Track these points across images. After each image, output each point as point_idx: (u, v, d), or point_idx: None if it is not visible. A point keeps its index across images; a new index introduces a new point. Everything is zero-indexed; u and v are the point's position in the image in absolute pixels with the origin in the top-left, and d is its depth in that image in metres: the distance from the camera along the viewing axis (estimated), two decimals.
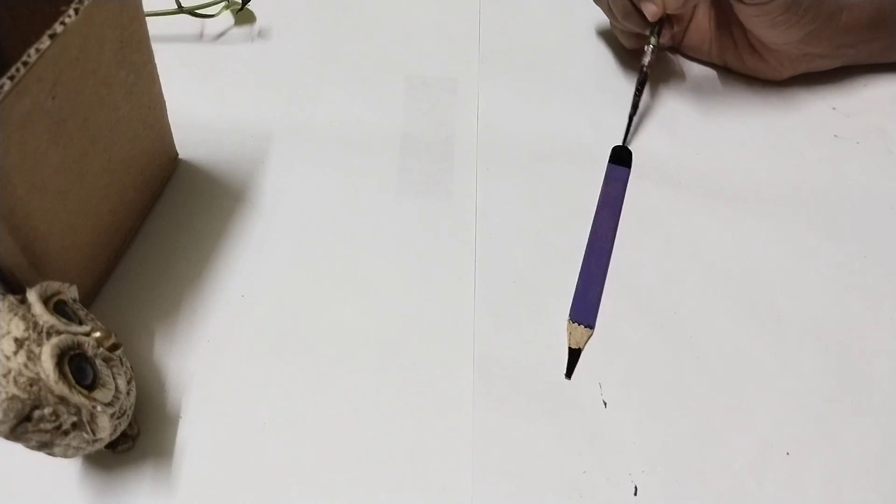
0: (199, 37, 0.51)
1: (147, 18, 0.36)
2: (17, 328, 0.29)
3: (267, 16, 0.52)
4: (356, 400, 0.37)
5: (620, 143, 0.47)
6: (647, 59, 0.47)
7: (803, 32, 0.44)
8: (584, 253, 0.42)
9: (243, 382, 0.37)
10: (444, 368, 0.38)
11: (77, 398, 0.29)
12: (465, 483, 0.35)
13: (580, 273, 0.41)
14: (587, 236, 0.43)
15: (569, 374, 0.38)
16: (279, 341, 0.39)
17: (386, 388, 0.38)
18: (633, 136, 0.47)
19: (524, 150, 0.46)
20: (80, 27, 0.30)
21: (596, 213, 0.44)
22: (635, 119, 0.47)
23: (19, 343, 0.28)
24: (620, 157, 0.46)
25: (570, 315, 0.40)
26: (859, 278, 0.42)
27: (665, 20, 0.46)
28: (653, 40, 0.46)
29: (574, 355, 0.39)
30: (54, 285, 0.32)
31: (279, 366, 0.38)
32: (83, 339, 0.30)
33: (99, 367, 0.31)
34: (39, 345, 0.29)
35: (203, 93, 0.48)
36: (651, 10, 0.44)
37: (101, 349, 0.31)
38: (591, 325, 0.39)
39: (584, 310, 0.40)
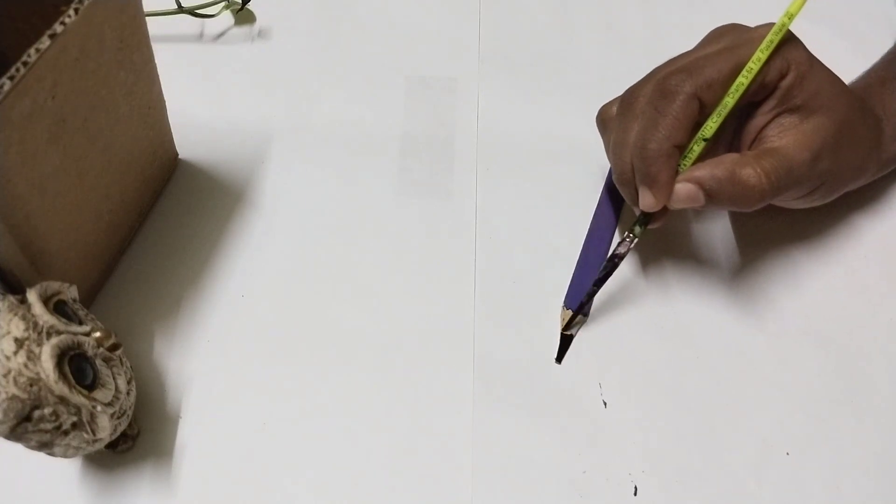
0: (199, 37, 0.51)
1: (147, 18, 0.36)
2: (17, 328, 0.29)
3: (267, 16, 0.52)
4: (356, 400, 0.37)
5: None
6: (622, 250, 0.37)
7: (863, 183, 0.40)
8: (582, 243, 0.42)
9: (243, 382, 0.37)
10: (444, 368, 0.38)
11: (77, 398, 0.29)
12: (465, 483, 0.35)
13: (578, 261, 0.42)
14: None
15: (559, 360, 0.38)
16: (279, 341, 0.39)
17: (386, 388, 0.38)
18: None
19: (524, 150, 0.46)
20: (80, 27, 0.30)
21: (598, 204, 0.44)
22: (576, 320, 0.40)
23: (19, 343, 0.28)
24: None
25: (564, 302, 0.40)
26: (859, 278, 0.42)
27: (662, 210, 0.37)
28: (637, 230, 0.37)
29: (566, 341, 0.39)
30: (54, 285, 0.32)
31: (279, 366, 0.38)
32: (83, 339, 0.30)
33: (99, 367, 0.31)
34: (39, 345, 0.29)
35: (203, 93, 0.48)
36: (647, 203, 0.36)
37: (101, 349, 0.31)
38: (584, 313, 0.39)
39: (579, 297, 0.40)
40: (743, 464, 0.36)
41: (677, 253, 0.42)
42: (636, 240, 0.38)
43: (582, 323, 0.40)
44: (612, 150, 0.38)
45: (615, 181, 0.38)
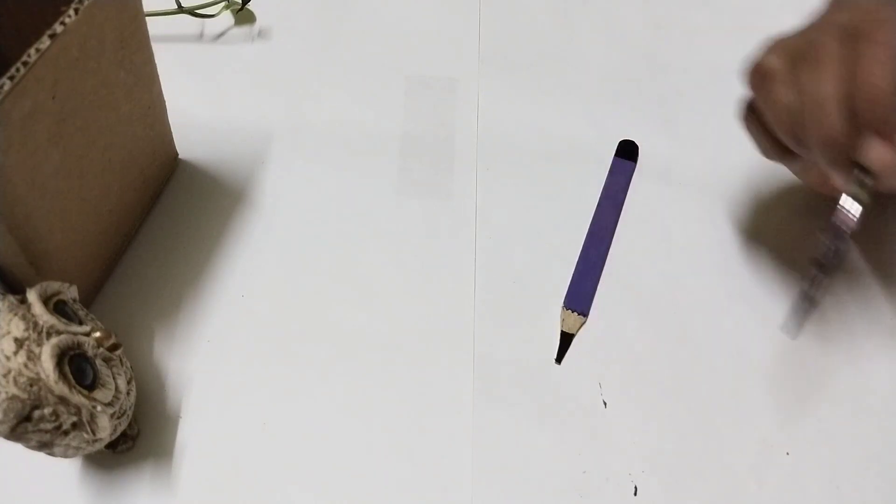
0: (199, 37, 0.51)
1: (147, 18, 0.36)
2: (17, 328, 0.29)
3: (267, 16, 0.52)
4: (356, 400, 0.37)
5: (622, 141, 0.47)
6: (850, 224, 0.30)
7: None
8: (582, 243, 0.42)
9: (243, 382, 0.37)
10: (444, 368, 0.38)
11: (77, 398, 0.29)
12: (465, 483, 0.35)
13: (577, 261, 0.42)
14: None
15: (559, 360, 0.38)
16: (279, 341, 0.39)
17: (386, 387, 0.38)
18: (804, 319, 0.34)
19: (524, 149, 0.46)
20: (80, 27, 0.30)
21: (598, 204, 0.44)
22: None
23: (19, 343, 0.28)
24: (626, 151, 0.46)
25: (564, 302, 0.40)
26: (859, 278, 0.42)
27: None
28: (862, 194, 0.30)
29: (566, 340, 0.39)
30: (54, 285, 0.32)
31: (279, 366, 0.38)
32: (83, 339, 0.30)
33: (99, 367, 0.31)
34: (39, 345, 0.29)
35: (203, 93, 0.48)
36: (885, 158, 0.28)
37: (101, 349, 0.31)
38: (584, 313, 0.39)
39: (579, 297, 0.40)
40: (743, 464, 0.36)
41: (677, 253, 0.42)
42: (863, 208, 0.30)
43: (582, 323, 0.40)
44: (807, 108, 0.30)
45: (817, 146, 0.30)
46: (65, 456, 0.30)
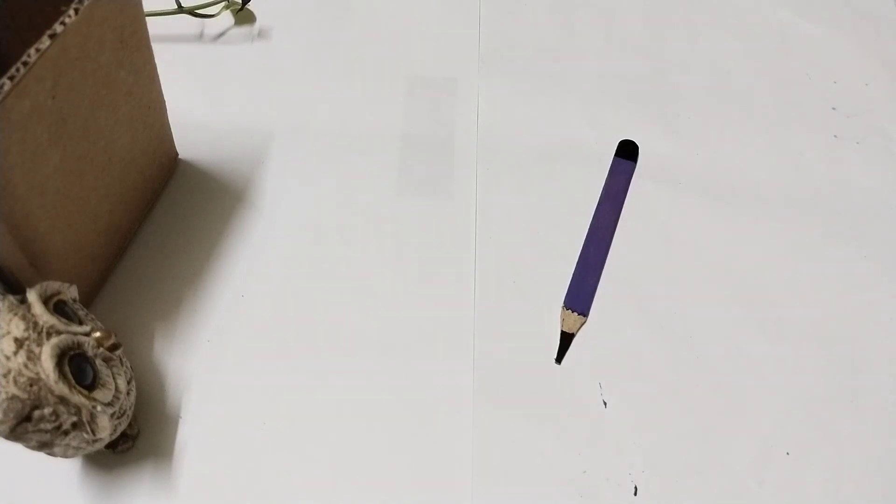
0: (199, 37, 0.51)
1: (147, 18, 0.36)
2: (17, 328, 0.29)
3: (267, 16, 0.52)
4: (356, 400, 0.37)
5: (621, 141, 0.47)
6: None
7: None
8: (582, 244, 0.42)
9: (243, 382, 0.37)
10: (444, 368, 0.38)
11: (77, 398, 0.29)
12: (465, 483, 0.35)
13: (578, 262, 0.42)
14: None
15: (559, 360, 0.38)
16: (279, 341, 0.39)
17: (386, 387, 0.38)
18: None
19: (524, 149, 0.46)
20: (80, 27, 0.30)
21: (598, 204, 0.44)
22: None
23: (19, 343, 0.28)
24: (626, 151, 0.46)
25: (564, 302, 0.40)
26: (859, 278, 0.42)
27: None
28: None
29: (566, 340, 0.39)
30: (54, 285, 0.32)
31: (279, 366, 0.38)
32: (83, 339, 0.30)
33: (99, 367, 0.31)
34: (39, 345, 0.29)
35: (203, 93, 0.48)
36: None
37: (101, 349, 0.31)
38: (584, 313, 0.40)
39: (579, 297, 0.40)
40: (743, 464, 0.36)
41: (677, 253, 0.42)
42: None
43: (582, 323, 0.40)
44: None
45: None
46: (65, 456, 0.30)
